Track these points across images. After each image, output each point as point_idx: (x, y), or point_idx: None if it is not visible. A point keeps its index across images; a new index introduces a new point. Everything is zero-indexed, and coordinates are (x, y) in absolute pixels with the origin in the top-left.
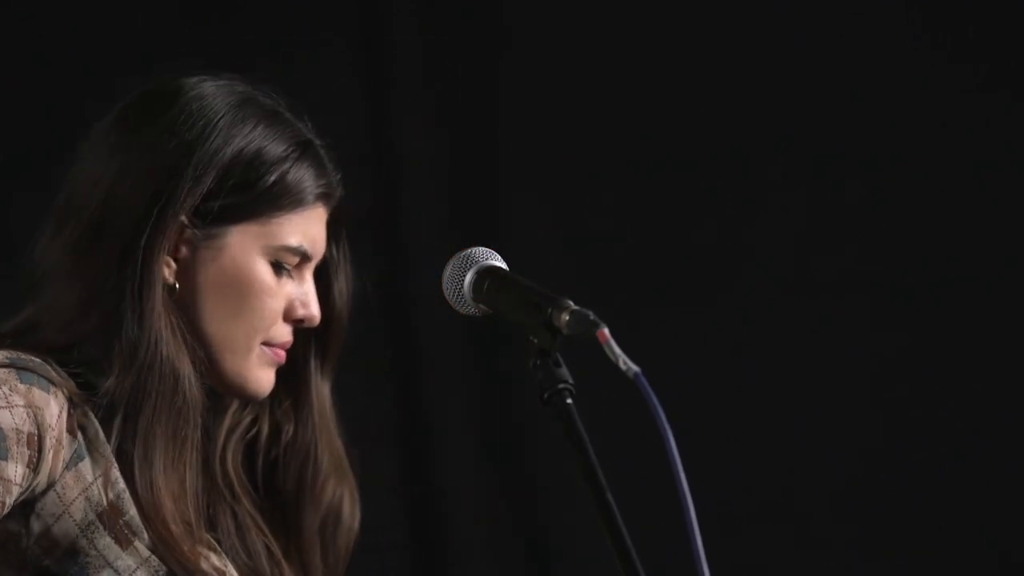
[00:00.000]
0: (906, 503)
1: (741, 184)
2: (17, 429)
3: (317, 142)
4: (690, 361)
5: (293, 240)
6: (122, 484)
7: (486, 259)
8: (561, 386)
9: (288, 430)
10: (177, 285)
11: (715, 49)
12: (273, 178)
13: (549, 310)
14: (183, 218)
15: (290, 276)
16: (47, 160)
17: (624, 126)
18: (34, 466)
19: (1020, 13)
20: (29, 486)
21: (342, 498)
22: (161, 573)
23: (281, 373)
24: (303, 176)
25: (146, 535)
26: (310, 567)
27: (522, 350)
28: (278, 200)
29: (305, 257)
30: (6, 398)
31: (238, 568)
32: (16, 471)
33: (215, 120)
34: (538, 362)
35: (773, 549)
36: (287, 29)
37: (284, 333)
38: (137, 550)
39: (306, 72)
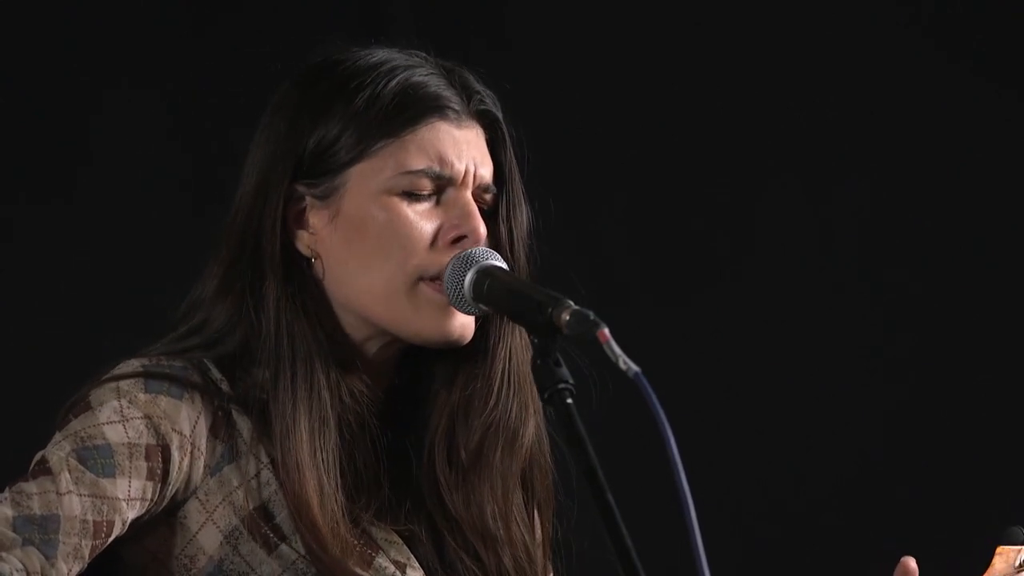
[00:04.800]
0: (906, 503)
1: (743, 184)
2: (130, 443)
3: (422, 68)
4: (690, 361)
5: (412, 163)
6: (275, 485)
7: (486, 259)
8: (561, 386)
9: (470, 371)
10: (318, 255)
11: (715, 49)
12: (362, 103)
13: (550, 310)
14: (298, 188)
15: (431, 201)
16: (48, 165)
17: (623, 126)
18: (159, 477)
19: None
20: (158, 497)
21: (510, 411)
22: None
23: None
24: (403, 94)
25: (296, 538)
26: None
27: None
28: (378, 128)
29: (439, 177)
30: (121, 411)
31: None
32: (129, 486)
33: (315, 91)
34: (538, 362)
35: (774, 548)
36: (286, 31)
37: (445, 262)
38: (283, 554)
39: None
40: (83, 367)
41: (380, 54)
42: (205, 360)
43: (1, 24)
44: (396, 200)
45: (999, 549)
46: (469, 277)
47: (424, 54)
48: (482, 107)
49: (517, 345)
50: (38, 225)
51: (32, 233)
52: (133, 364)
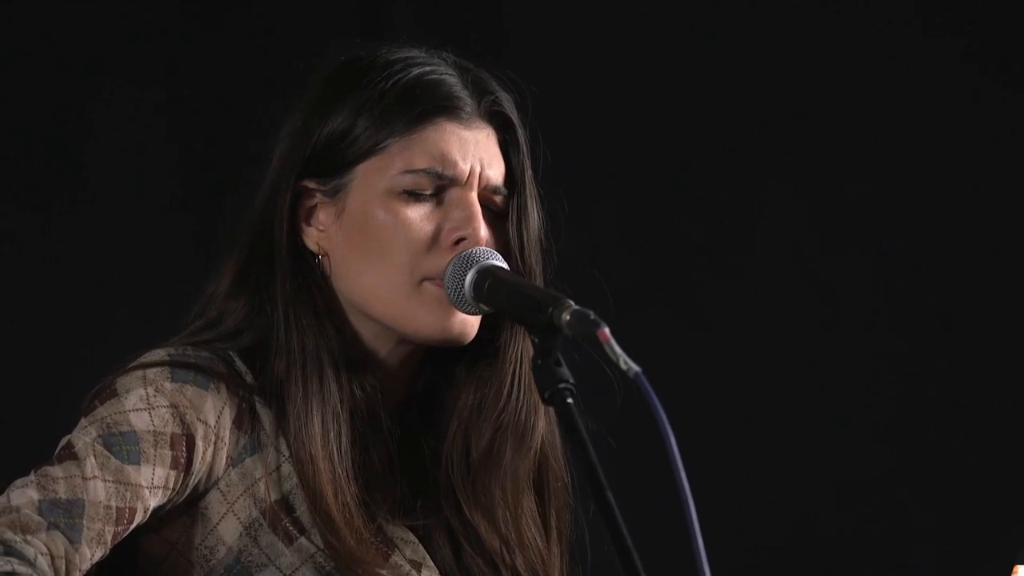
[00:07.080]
0: (906, 503)
1: (743, 184)
2: (155, 431)
3: (438, 67)
4: (690, 361)
5: (415, 162)
6: (295, 479)
7: (486, 259)
8: (561, 386)
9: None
10: (326, 252)
11: (715, 50)
12: (371, 100)
13: (550, 310)
14: (308, 184)
15: (434, 202)
16: (43, 160)
17: (623, 126)
18: (183, 466)
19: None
20: (181, 486)
21: (519, 412)
22: (327, 569)
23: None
24: (411, 92)
25: (315, 531)
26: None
27: None
28: (385, 126)
29: (440, 177)
30: (147, 400)
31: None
32: (152, 474)
33: (330, 88)
34: (539, 362)
35: (774, 549)
36: (286, 31)
37: (445, 263)
38: (302, 547)
39: (304, 74)
40: (82, 367)
41: (399, 52)
42: (230, 351)
43: (1, 25)
44: (398, 200)
45: (1016, 568)
46: (469, 277)
47: (447, 53)
48: (495, 108)
49: (528, 347)
50: (37, 225)
51: (31, 233)
52: (159, 353)
